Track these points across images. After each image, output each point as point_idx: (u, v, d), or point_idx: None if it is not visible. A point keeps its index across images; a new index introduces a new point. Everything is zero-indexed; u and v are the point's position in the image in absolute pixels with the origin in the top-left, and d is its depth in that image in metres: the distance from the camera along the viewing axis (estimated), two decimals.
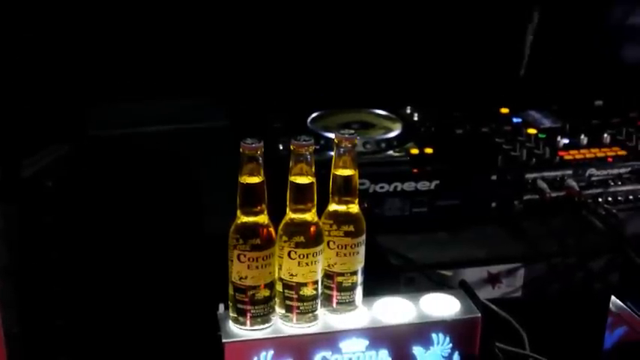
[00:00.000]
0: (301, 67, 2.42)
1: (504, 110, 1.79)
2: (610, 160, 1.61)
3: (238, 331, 1.16)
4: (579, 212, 1.54)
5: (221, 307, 1.19)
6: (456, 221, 1.52)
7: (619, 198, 1.60)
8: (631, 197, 1.60)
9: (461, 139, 1.67)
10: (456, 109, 1.79)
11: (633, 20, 2.14)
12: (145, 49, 1.86)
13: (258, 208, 1.12)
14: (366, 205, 1.46)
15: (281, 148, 1.52)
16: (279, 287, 1.16)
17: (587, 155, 1.62)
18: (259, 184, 1.11)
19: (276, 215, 1.15)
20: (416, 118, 1.74)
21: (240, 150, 1.09)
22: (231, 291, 1.15)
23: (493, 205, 1.55)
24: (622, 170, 1.60)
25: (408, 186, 1.51)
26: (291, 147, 1.12)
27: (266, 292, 1.15)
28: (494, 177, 1.54)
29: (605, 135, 1.68)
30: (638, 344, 1.16)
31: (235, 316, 1.16)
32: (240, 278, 1.13)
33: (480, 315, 1.21)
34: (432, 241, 1.49)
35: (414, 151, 1.58)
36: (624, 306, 1.18)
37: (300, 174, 1.12)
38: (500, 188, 1.55)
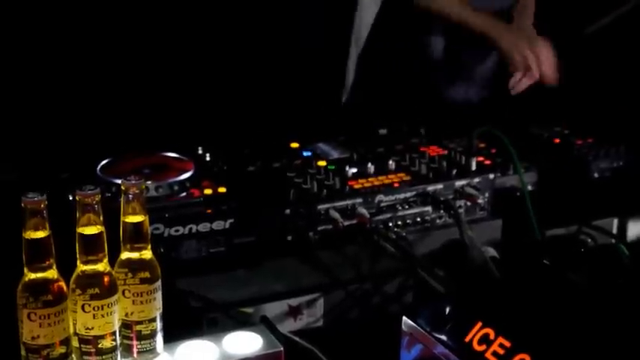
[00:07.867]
0: (89, 115, 2.38)
1: (294, 144, 1.83)
2: (396, 185, 1.68)
3: None
4: (371, 238, 1.59)
5: None
6: (253, 258, 1.54)
7: (407, 221, 1.67)
8: (418, 219, 1.67)
9: (253, 176, 1.69)
10: (247, 146, 1.81)
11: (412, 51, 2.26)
12: None
13: (47, 262, 1.08)
14: (161, 250, 1.45)
15: (70, 198, 1.48)
16: (75, 343, 1.13)
17: (375, 183, 1.68)
18: (45, 239, 1.07)
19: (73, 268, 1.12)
20: (208, 159, 1.74)
21: (22, 204, 1.06)
22: (23, 352, 1.10)
23: (289, 238, 1.58)
24: (408, 194, 1.67)
25: (204, 227, 1.51)
26: (77, 197, 1.09)
27: (62, 349, 1.11)
28: (287, 211, 1.57)
29: (391, 162, 1.75)
30: None
31: None
32: (33, 338, 1.09)
33: (282, 348, 1.23)
34: (231, 280, 1.49)
35: (208, 191, 1.58)
36: (415, 325, 1.23)
37: (88, 224, 1.10)
38: (294, 221, 1.58)
